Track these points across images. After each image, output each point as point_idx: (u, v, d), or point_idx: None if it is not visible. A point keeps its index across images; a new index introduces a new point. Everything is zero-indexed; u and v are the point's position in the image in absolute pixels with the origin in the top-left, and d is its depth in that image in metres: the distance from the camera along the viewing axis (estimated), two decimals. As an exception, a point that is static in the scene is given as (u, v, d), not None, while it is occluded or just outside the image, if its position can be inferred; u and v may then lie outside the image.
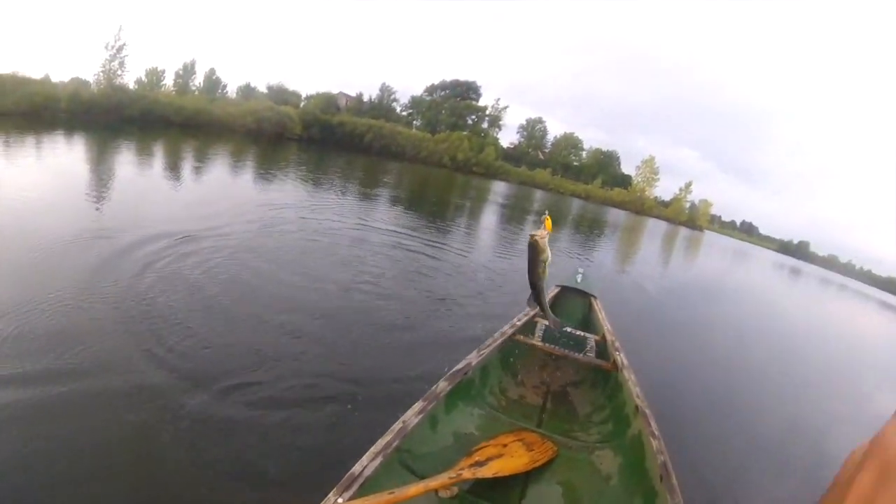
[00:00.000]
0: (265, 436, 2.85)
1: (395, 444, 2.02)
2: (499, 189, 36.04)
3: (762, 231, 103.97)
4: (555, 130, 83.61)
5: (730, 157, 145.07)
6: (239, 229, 7.26)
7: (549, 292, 4.55)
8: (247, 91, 48.29)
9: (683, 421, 4.34)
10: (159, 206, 8.32)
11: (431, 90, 63.63)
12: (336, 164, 24.98)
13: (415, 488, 1.79)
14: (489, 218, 17.78)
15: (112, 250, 5.35)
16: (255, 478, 2.55)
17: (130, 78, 35.92)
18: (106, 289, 4.36)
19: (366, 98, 57.41)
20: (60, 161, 11.61)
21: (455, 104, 61.00)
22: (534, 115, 77.25)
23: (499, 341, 3.29)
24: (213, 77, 47.76)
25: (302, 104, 49.01)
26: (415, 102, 62.63)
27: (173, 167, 13.93)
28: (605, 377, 3.43)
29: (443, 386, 2.56)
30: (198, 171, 14.32)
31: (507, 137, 70.36)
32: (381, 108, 55.76)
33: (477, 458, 2.29)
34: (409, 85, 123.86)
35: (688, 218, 62.26)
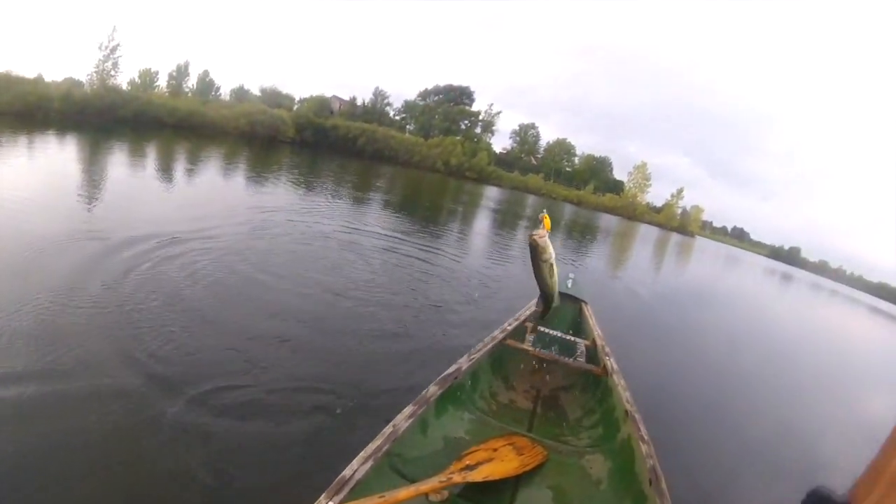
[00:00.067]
0: (251, 441, 2.82)
1: (385, 448, 2.02)
2: (491, 194, 36.13)
3: (753, 237, 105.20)
4: (547, 136, 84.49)
5: (721, 163, 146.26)
6: (228, 232, 7.21)
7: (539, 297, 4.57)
8: (240, 93, 48.30)
9: (674, 425, 4.35)
10: (149, 207, 8.26)
11: (425, 95, 63.88)
12: (329, 168, 24.94)
13: (405, 492, 1.79)
14: (482, 223, 17.81)
15: (100, 251, 5.31)
16: (242, 483, 2.53)
17: (124, 79, 36.00)
18: (90, 290, 4.31)
19: (359, 102, 57.52)
20: (52, 162, 11.51)
21: (448, 109, 61.19)
22: (527, 121, 77.70)
23: (489, 346, 3.30)
24: (207, 79, 47.77)
25: (295, 107, 49.02)
26: (408, 107, 62.82)
27: (165, 169, 13.85)
28: (595, 382, 3.45)
29: (433, 390, 2.56)
30: (189, 173, 14.24)
31: (500, 143, 70.60)
32: (374, 112, 55.81)
33: (467, 462, 2.29)
34: (402, 89, 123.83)
35: (679, 224, 62.77)
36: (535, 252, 2.80)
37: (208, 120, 33.15)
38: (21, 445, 2.48)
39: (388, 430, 2.13)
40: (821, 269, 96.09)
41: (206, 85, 47.48)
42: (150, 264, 5.21)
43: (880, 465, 0.56)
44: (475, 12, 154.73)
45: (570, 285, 5.04)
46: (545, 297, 3.23)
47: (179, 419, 2.87)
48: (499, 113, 62.99)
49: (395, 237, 9.68)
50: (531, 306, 4.30)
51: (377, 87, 60.24)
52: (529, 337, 3.73)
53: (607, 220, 42.70)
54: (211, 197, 10.68)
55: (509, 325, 3.73)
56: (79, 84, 31.64)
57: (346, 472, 1.80)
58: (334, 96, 56.80)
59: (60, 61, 65.81)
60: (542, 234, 2.77)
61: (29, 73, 26.24)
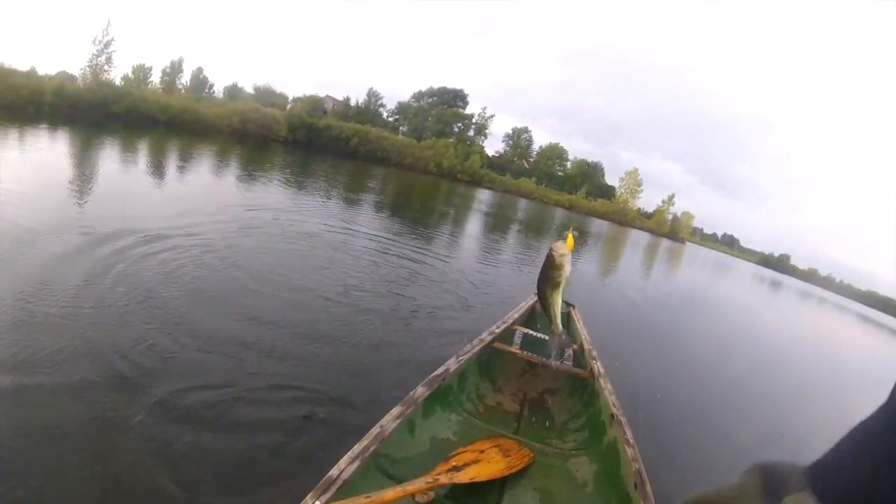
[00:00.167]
0: (233, 442, 2.80)
1: (372, 448, 2.03)
2: (483, 197, 36.19)
3: (743, 244, 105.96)
4: (540, 140, 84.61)
5: (713, 170, 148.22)
6: (214, 230, 7.16)
7: (528, 301, 4.59)
8: (233, 91, 48.03)
9: (660, 429, 4.38)
10: (136, 204, 8.18)
11: (418, 97, 63.91)
12: (321, 168, 24.86)
13: (392, 492, 1.80)
14: (473, 226, 17.81)
15: (84, 246, 5.27)
16: (224, 483, 2.52)
17: (117, 74, 35.68)
18: (72, 284, 4.27)
19: (353, 102, 57.37)
20: (43, 157, 11.38)
21: (442, 111, 61.26)
22: (520, 125, 77.92)
23: (477, 348, 3.31)
24: (201, 76, 47.47)
25: (288, 106, 48.81)
26: (401, 108, 62.79)
27: (155, 166, 13.75)
28: (582, 385, 3.47)
29: (421, 391, 2.57)
30: (180, 170, 14.16)
31: (493, 146, 70.87)
32: (367, 112, 55.69)
33: (454, 463, 2.31)
34: (396, 91, 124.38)
35: (670, 230, 63.15)
36: (549, 264, 2.67)
37: (201, 117, 32.93)
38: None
39: (375, 430, 2.13)
40: (810, 276, 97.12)
41: (200, 82, 47.19)
42: (133, 261, 5.16)
43: None
44: (470, 15, 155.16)
45: None
46: (544, 307, 2.97)
47: (158, 419, 2.83)
48: (492, 116, 63.19)
49: (385, 238, 9.67)
50: (520, 309, 4.32)
51: (371, 88, 60.33)
52: (517, 340, 3.75)
53: (598, 225, 42.88)
54: (199, 194, 10.61)
55: (497, 327, 3.74)
56: (72, 78, 31.43)
57: (333, 471, 1.80)
58: (328, 96, 56.69)
59: (54, 54, 65.33)
60: (563, 252, 2.65)
61: (22, 66, 26.12)
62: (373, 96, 59.51)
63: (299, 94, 53.61)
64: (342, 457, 1.90)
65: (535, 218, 31.00)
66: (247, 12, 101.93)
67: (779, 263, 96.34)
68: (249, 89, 49.15)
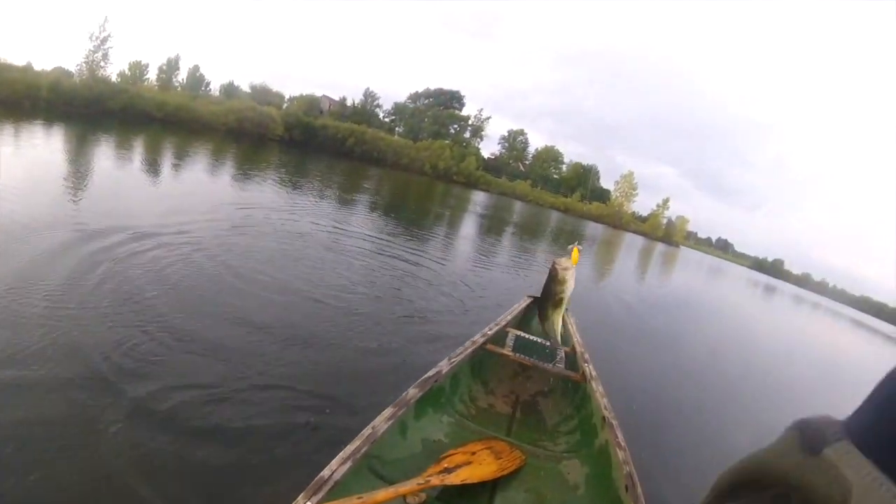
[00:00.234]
0: (222, 441, 2.79)
1: (364, 449, 2.02)
2: (478, 199, 36.22)
3: (737, 248, 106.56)
4: (536, 143, 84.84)
5: (708, 174, 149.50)
6: (207, 228, 7.14)
7: (521, 303, 4.60)
8: (230, 89, 48.04)
9: (652, 432, 4.39)
10: (129, 201, 8.15)
11: (415, 98, 64.02)
12: (317, 168, 24.83)
13: (384, 493, 1.80)
14: (468, 228, 17.82)
15: (74, 243, 5.25)
16: (217, 483, 2.52)
17: (114, 70, 35.69)
18: (57, 282, 4.22)
19: (349, 102, 57.46)
20: (39, 153, 11.34)
21: (438, 113, 61.40)
22: (516, 127, 78.01)
23: (469, 350, 3.31)
24: (197, 74, 47.53)
25: (285, 105, 48.83)
26: (398, 109, 62.91)
27: (150, 163, 13.69)
28: (574, 388, 3.48)
29: (413, 392, 2.57)
30: (175, 168, 14.13)
31: (489, 148, 70.99)
32: (363, 113, 55.73)
33: (445, 464, 2.31)
34: (392, 91, 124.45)
35: (664, 233, 63.42)
36: (552, 279, 2.64)
37: (197, 115, 32.91)
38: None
39: (366, 431, 2.13)
40: (803, 281, 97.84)
41: (196, 80, 47.20)
42: (121, 258, 5.12)
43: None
44: (468, 16, 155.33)
45: None
46: (542, 320, 2.97)
47: (141, 421, 2.80)
48: (488, 118, 63.51)
49: (379, 239, 9.67)
50: (512, 311, 4.32)
51: (367, 89, 60.47)
52: (510, 342, 3.75)
53: (593, 228, 42.98)
54: (193, 193, 10.58)
55: (490, 329, 3.74)
56: (68, 74, 31.37)
57: (325, 472, 1.79)
58: (324, 96, 56.75)
59: (51, 50, 64.94)
60: (566, 266, 2.65)
61: (18, 61, 26.08)
62: (369, 97, 59.65)
63: (296, 93, 53.84)
64: (333, 458, 1.90)
65: (531, 221, 31.08)
66: (244, 10, 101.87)
67: (772, 268, 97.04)
68: (246, 88, 49.30)
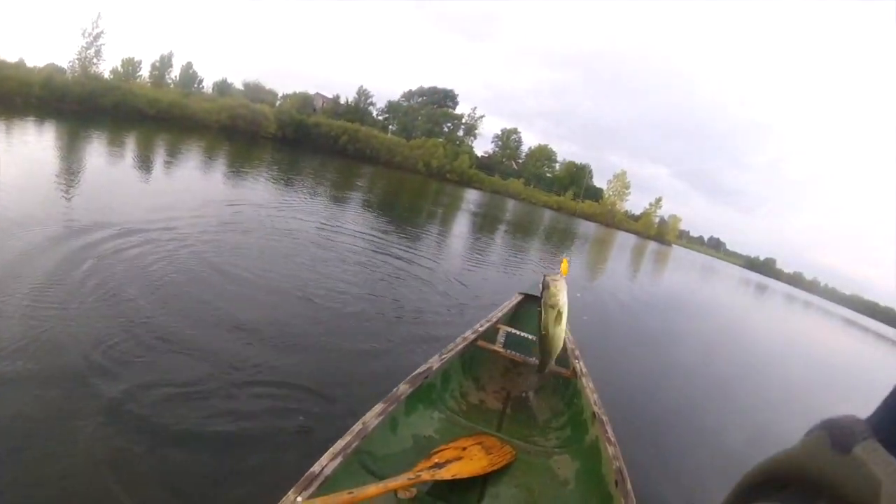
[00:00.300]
0: (213, 437, 2.78)
1: (354, 445, 2.03)
2: (472, 197, 36.21)
3: (729, 247, 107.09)
4: (530, 141, 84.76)
5: (702, 174, 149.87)
6: (196, 224, 7.10)
7: (512, 300, 4.61)
8: (223, 87, 47.78)
9: (642, 428, 4.42)
10: (120, 198, 8.08)
11: (409, 96, 63.94)
12: (309, 166, 24.76)
13: (374, 488, 1.81)
14: (461, 226, 17.82)
15: (61, 238, 5.23)
16: (207, 478, 2.52)
17: (106, 67, 35.36)
18: (42, 278, 4.19)
19: (342, 100, 57.21)
20: (30, 149, 11.24)
21: (432, 111, 61.33)
22: (510, 126, 77.97)
23: (461, 346, 3.32)
24: (190, 71, 47.26)
25: (278, 103, 48.57)
26: (391, 107, 62.75)
27: (142, 160, 13.63)
28: (564, 384, 3.50)
29: (403, 388, 2.57)
30: (167, 165, 14.05)
31: (482, 146, 70.87)
32: (357, 111, 55.51)
33: (436, 460, 2.32)
34: (386, 89, 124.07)
35: (657, 232, 63.66)
36: (545, 293, 2.63)
37: (190, 112, 32.67)
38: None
39: (357, 427, 2.13)
40: (795, 280, 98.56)
41: (189, 77, 46.91)
42: (107, 254, 5.09)
43: None
44: (463, 16, 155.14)
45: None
46: (542, 346, 2.87)
47: (123, 418, 2.77)
48: (482, 117, 63.49)
49: (372, 237, 9.66)
50: (504, 308, 4.33)
51: (361, 87, 60.16)
52: (501, 338, 3.76)
53: (586, 227, 43.09)
54: (184, 189, 10.51)
55: (481, 326, 3.75)
56: (61, 71, 31.02)
57: (315, 467, 1.80)
58: (317, 94, 56.50)
59: (43, 46, 64.32)
60: (557, 278, 2.66)
61: (10, 58, 25.85)
62: (363, 95, 59.41)
63: (289, 91, 53.52)
64: (324, 453, 1.90)
65: (524, 219, 31.09)
66: (238, 8, 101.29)
67: (764, 266, 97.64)
68: (239, 85, 48.99)
